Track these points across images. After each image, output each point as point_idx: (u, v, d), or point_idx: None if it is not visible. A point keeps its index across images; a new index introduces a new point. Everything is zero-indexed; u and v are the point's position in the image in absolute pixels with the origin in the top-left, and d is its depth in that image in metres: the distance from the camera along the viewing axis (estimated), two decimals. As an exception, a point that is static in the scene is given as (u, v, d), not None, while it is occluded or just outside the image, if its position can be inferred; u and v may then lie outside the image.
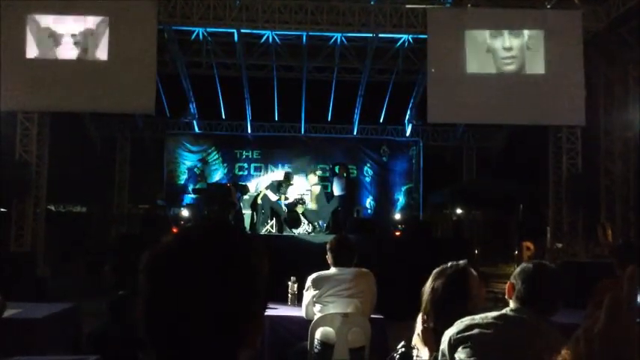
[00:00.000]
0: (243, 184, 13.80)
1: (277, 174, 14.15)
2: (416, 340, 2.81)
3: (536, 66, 11.09)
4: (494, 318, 2.26)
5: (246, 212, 13.03)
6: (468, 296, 2.62)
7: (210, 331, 0.95)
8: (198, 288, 0.95)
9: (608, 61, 11.92)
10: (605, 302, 0.81)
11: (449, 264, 2.64)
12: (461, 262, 2.66)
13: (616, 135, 11.88)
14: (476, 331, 2.23)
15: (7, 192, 10.85)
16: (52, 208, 16.09)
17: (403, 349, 3.20)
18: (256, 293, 1.01)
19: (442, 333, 2.38)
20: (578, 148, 11.24)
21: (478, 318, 2.27)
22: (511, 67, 11.11)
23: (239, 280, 0.98)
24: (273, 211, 11.39)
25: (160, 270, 0.98)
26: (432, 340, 2.71)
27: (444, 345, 2.31)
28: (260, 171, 15.57)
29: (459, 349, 2.24)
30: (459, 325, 2.28)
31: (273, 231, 11.17)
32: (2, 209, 12.87)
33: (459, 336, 2.26)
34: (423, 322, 2.82)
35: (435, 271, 2.67)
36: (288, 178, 11.90)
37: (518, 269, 2.40)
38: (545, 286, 2.33)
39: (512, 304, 2.35)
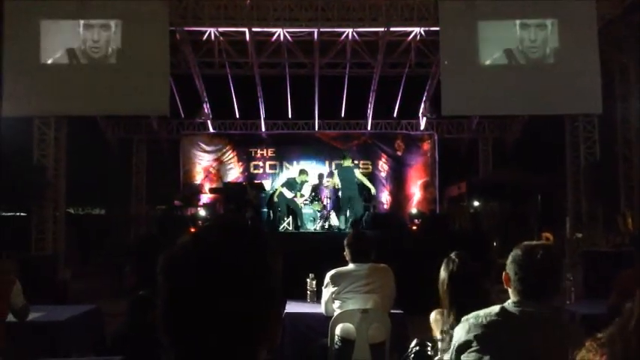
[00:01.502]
0: (259, 182, 13.85)
1: (292, 171, 14.18)
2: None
3: (551, 55, 10.97)
4: (497, 314, 2.22)
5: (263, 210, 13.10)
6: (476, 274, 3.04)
7: (228, 330, 0.95)
8: (215, 288, 0.95)
9: (623, 48, 11.76)
10: (637, 297, 0.79)
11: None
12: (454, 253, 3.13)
13: (633, 122, 11.73)
14: (479, 331, 2.21)
15: (26, 196, 11.00)
16: (71, 211, 16.27)
17: (417, 348, 3.24)
18: (273, 291, 1.01)
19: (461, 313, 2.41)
20: (596, 137, 11.12)
21: (482, 315, 2.24)
22: (525, 57, 11.00)
23: (255, 279, 0.98)
24: (290, 208, 11.41)
25: (177, 271, 0.98)
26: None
27: (452, 350, 2.31)
28: (275, 169, 15.59)
29: (465, 353, 2.25)
30: (464, 325, 2.27)
31: (290, 228, 11.19)
32: (22, 213, 13.03)
33: (463, 340, 2.26)
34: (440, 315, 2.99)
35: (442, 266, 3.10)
36: (303, 174, 11.91)
37: (509, 258, 2.29)
38: (536, 272, 2.21)
39: (511, 296, 2.29)
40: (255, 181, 13.66)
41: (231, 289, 0.96)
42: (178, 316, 0.97)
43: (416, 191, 15.95)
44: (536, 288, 2.22)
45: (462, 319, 2.32)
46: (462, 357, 2.26)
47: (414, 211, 15.05)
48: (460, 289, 2.97)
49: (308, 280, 5.18)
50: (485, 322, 2.21)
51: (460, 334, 2.28)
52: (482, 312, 2.26)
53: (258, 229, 1.06)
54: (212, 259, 0.97)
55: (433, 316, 3.30)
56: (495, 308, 2.25)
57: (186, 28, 11.90)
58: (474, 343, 2.21)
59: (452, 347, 2.33)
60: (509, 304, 2.26)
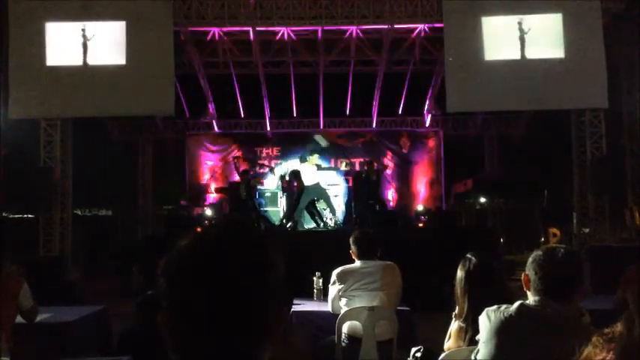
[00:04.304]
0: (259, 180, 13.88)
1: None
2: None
3: (556, 50, 10.90)
4: (516, 310, 2.19)
5: (272, 209, 13.13)
6: (496, 273, 3.00)
7: (232, 331, 0.95)
8: (216, 289, 0.94)
9: (629, 42, 11.69)
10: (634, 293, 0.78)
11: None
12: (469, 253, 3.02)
13: (639, 116, 11.67)
14: (498, 325, 2.18)
15: (33, 199, 11.04)
16: (79, 212, 16.33)
17: (418, 354, 3.21)
18: (275, 291, 0.99)
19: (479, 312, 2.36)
20: (602, 131, 11.05)
21: (502, 310, 2.21)
22: (530, 53, 10.94)
23: (257, 280, 0.97)
24: (294, 204, 11.46)
25: (178, 274, 0.98)
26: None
27: (487, 338, 2.25)
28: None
29: (483, 346, 2.24)
30: (486, 317, 2.24)
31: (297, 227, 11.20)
32: (29, 215, 13.09)
33: (480, 346, 2.25)
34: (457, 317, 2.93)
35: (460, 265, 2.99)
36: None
37: (530, 259, 2.29)
38: (556, 271, 2.21)
39: (530, 297, 2.26)
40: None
41: (233, 291, 0.95)
42: (181, 318, 0.96)
43: (422, 188, 15.94)
44: (557, 287, 2.20)
45: (484, 310, 2.28)
46: (477, 352, 2.26)
47: (420, 208, 15.05)
48: (479, 290, 2.88)
49: (314, 278, 5.19)
50: (503, 318, 2.18)
51: (485, 324, 2.24)
52: (503, 306, 2.23)
53: (258, 228, 1.06)
54: (213, 260, 0.96)
55: (456, 325, 3.03)
56: (515, 304, 2.22)
57: (191, 29, 11.92)
58: (493, 337, 2.19)
59: (484, 337, 2.26)
60: (527, 302, 2.24)
